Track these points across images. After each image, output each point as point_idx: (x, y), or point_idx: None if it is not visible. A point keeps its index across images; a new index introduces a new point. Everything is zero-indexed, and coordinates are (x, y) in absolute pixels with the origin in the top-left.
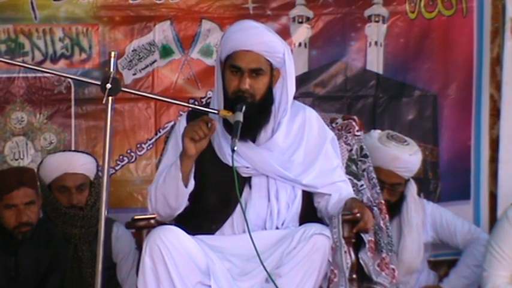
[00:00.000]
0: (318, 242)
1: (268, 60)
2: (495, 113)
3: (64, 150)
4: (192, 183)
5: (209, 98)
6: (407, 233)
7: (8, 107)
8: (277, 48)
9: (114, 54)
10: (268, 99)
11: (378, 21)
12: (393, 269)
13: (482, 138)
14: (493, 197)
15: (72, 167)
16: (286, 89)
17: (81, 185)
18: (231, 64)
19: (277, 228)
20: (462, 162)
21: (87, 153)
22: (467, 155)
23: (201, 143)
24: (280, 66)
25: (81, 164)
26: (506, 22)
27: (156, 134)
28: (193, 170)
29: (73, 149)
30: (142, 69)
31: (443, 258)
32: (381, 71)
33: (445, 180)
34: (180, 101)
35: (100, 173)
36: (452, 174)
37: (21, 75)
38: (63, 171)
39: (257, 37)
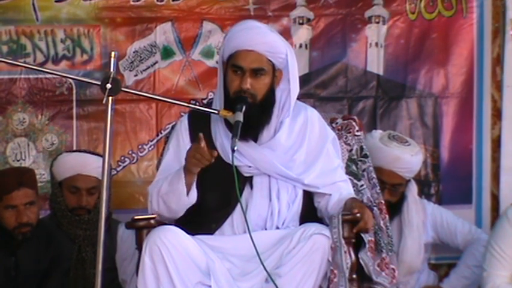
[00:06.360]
0: (317, 241)
1: (270, 61)
2: (495, 113)
3: (80, 151)
4: (194, 195)
5: (210, 99)
6: (407, 233)
7: (10, 108)
8: (280, 48)
9: (114, 55)
10: (269, 99)
11: (378, 22)
12: (393, 269)
13: (484, 141)
14: (495, 198)
15: (86, 168)
16: (289, 89)
17: (93, 188)
18: (233, 64)
19: (277, 228)
20: (463, 165)
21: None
22: (469, 158)
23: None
24: (283, 67)
25: (95, 166)
26: (506, 24)
27: (157, 135)
28: (195, 179)
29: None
30: (144, 70)
31: (445, 262)
32: (381, 72)
33: (446, 183)
34: (181, 101)
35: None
36: (453, 177)
37: (23, 76)
38: (77, 171)
39: (260, 37)
